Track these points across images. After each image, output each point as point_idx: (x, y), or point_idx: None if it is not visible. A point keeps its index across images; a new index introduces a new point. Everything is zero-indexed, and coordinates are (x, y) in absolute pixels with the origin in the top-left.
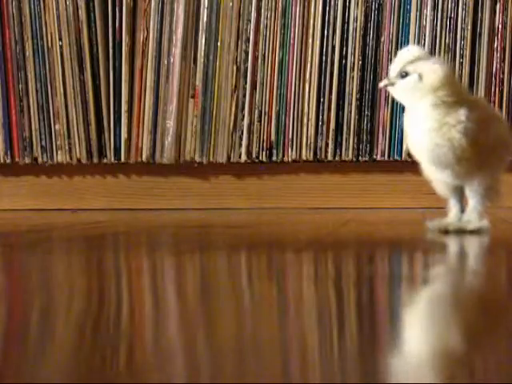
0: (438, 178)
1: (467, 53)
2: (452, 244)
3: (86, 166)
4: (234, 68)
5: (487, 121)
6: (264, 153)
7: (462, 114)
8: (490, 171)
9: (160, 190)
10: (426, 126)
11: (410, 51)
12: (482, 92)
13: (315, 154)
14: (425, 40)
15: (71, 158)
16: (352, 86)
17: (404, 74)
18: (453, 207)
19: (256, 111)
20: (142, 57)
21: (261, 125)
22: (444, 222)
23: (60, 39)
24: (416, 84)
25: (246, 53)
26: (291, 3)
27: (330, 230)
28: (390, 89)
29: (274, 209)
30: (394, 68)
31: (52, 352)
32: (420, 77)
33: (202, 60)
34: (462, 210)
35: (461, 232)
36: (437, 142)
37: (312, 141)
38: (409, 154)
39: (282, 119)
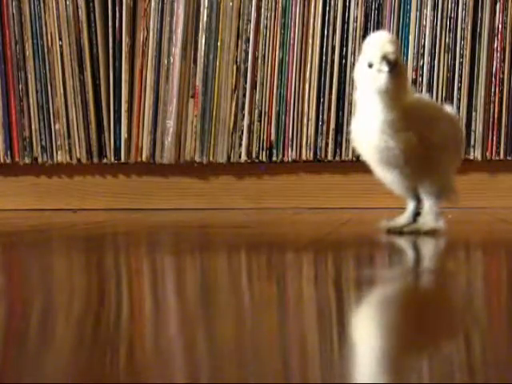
0: (389, 178)
1: (467, 53)
2: (433, 244)
3: (86, 166)
4: (234, 68)
5: (433, 120)
6: (264, 153)
7: (409, 114)
8: (441, 171)
9: (160, 190)
10: (378, 127)
11: (390, 36)
12: (482, 92)
13: (315, 154)
14: (425, 40)
15: (71, 158)
16: (352, 86)
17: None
18: (408, 207)
19: (256, 111)
20: (142, 57)
21: (261, 125)
22: (398, 223)
23: (60, 39)
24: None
25: (246, 53)
26: (291, 3)
27: (329, 230)
28: (381, 76)
29: (274, 209)
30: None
31: (52, 352)
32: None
33: (202, 60)
34: (419, 210)
35: (416, 233)
36: (388, 143)
37: (312, 141)
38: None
39: (281, 119)
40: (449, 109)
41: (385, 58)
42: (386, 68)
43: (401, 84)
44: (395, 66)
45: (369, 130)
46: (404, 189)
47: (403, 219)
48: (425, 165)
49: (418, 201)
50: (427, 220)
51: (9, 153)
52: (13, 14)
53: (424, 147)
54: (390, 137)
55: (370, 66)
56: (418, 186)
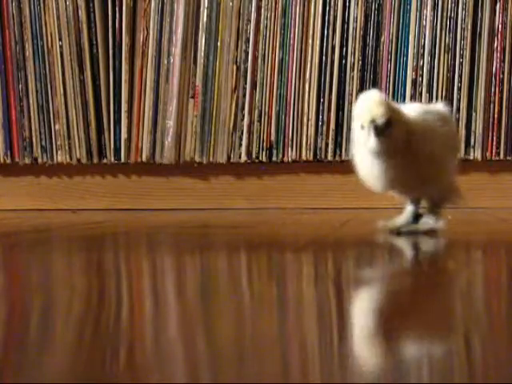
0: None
1: (467, 53)
2: (429, 244)
3: (86, 166)
4: (234, 68)
5: (427, 139)
6: (264, 153)
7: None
8: (442, 177)
9: (160, 190)
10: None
11: (380, 97)
12: (482, 92)
13: (315, 154)
14: (425, 40)
15: (71, 158)
16: (352, 86)
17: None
18: (407, 208)
19: (256, 111)
20: (142, 57)
21: (261, 125)
22: (397, 223)
23: (60, 39)
24: None
25: (246, 53)
26: (291, 3)
27: (329, 230)
28: (372, 140)
29: (274, 209)
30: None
31: (52, 352)
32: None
33: (202, 60)
34: (417, 212)
35: (415, 233)
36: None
37: (312, 141)
38: None
39: (281, 119)
40: (440, 106)
41: (373, 122)
42: (373, 133)
43: (394, 141)
44: (385, 129)
45: (368, 173)
46: (405, 197)
47: (401, 219)
48: (425, 178)
49: (418, 202)
50: (427, 220)
51: (9, 153)
52: (13, 14)
53: (424, 164)
54: (391, 179)
55: (362, 127)
56: (420, 194)
